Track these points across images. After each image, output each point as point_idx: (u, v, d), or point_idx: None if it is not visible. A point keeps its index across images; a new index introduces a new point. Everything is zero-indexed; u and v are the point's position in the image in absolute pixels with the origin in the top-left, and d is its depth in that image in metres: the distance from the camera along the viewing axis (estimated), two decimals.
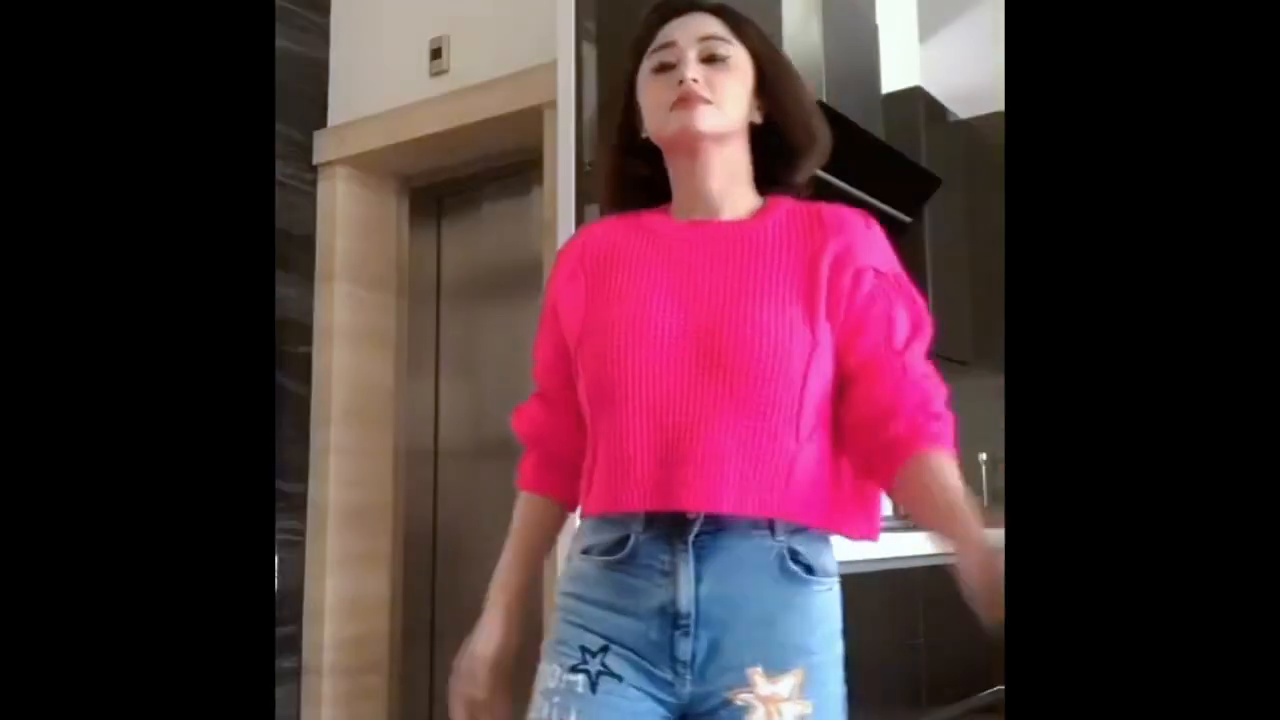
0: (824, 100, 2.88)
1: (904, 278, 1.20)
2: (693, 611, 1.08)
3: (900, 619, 2.21)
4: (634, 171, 1.24)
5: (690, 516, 1.08)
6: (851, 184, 2.98)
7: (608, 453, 1.12)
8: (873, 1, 3.50)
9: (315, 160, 3.21)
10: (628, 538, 1.11)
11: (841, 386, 1.14)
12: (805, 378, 1.09)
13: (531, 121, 2.74)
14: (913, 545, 2.29)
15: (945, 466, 1.08)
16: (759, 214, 1.19)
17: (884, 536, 2.45)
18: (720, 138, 1.17)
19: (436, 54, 3.01)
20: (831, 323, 1.12)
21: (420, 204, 3.39)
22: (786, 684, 1.06)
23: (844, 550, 1.98)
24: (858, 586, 2.07)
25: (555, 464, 1.27)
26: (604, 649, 1.11)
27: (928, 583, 2.28)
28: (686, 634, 1.08)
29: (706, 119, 1.14)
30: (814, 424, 1.11)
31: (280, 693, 2.93)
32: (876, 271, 1.16)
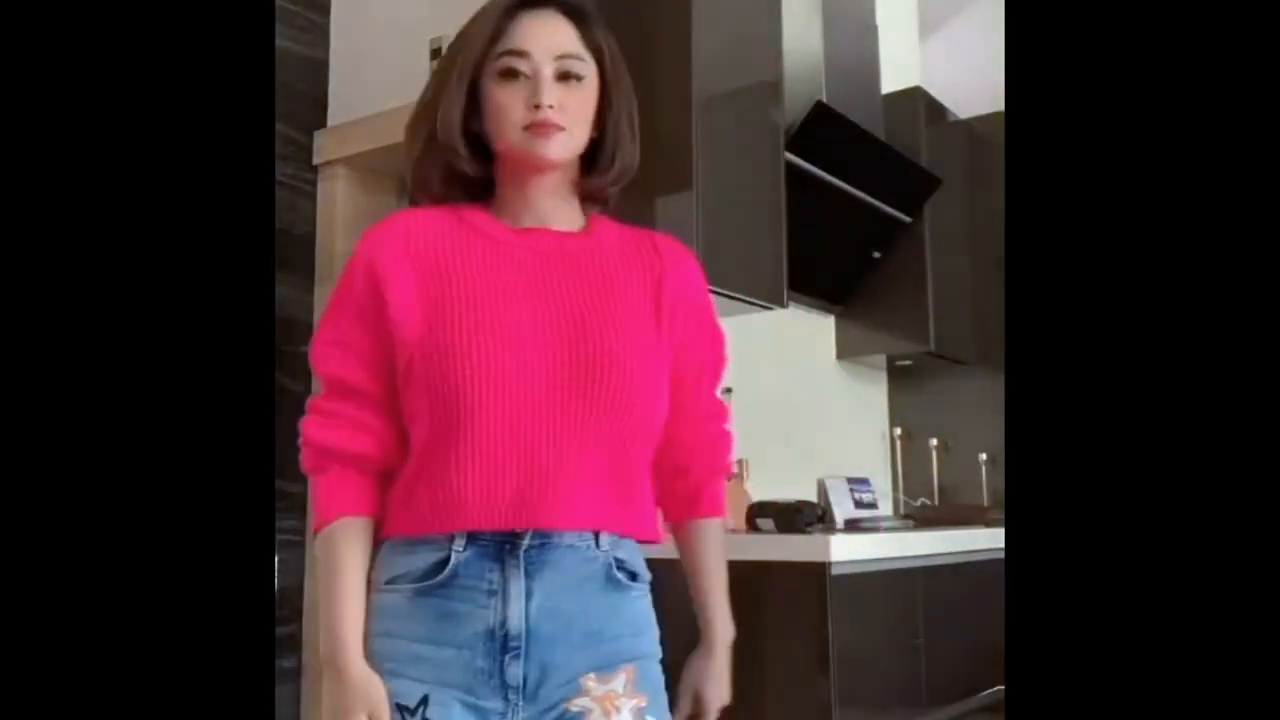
0: (824, 100, 2.89)
1: (713, 311, 1.25)
2: (523, 631, 1.03)
3: (900, 619, 2.21)
4: (467, 170, 1.15)
5: (520, 532, 1.03)
6: (851, 184, 2.98)
7: (449, 467, 1.04)
8: (873, 1, 3.51)
9: (315, 160, 3.21)
10: (447, 559, 1.04)
11: (677, 391, 1.18)
12: (660, 388, 1.12)
13: None
14: (913, 545, 2.29)
15: (718, 534, 1.26)
16: (589, 229, 1.18)
17: (884, 537, 2.45)
18: (564, 166, 1.14)
19: (436, 54, 3.00)
20: (671, 341, 1.16)
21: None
22: (619, 680, 1.07)
23: (844, 550, 1.99)
24: (858, 586, 2.08)
25: (377, 481, 1.12)
26: (423, 700, 1.02)
27: (928, 583, 2.28)
28: (517, 656, 1.03)
29: (561, 148, 1.10)
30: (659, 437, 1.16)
31: (280, 693, 2.93)
32: (701, 309, 1.22)
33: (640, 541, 1.15)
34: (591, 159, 1.17)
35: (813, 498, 3.06)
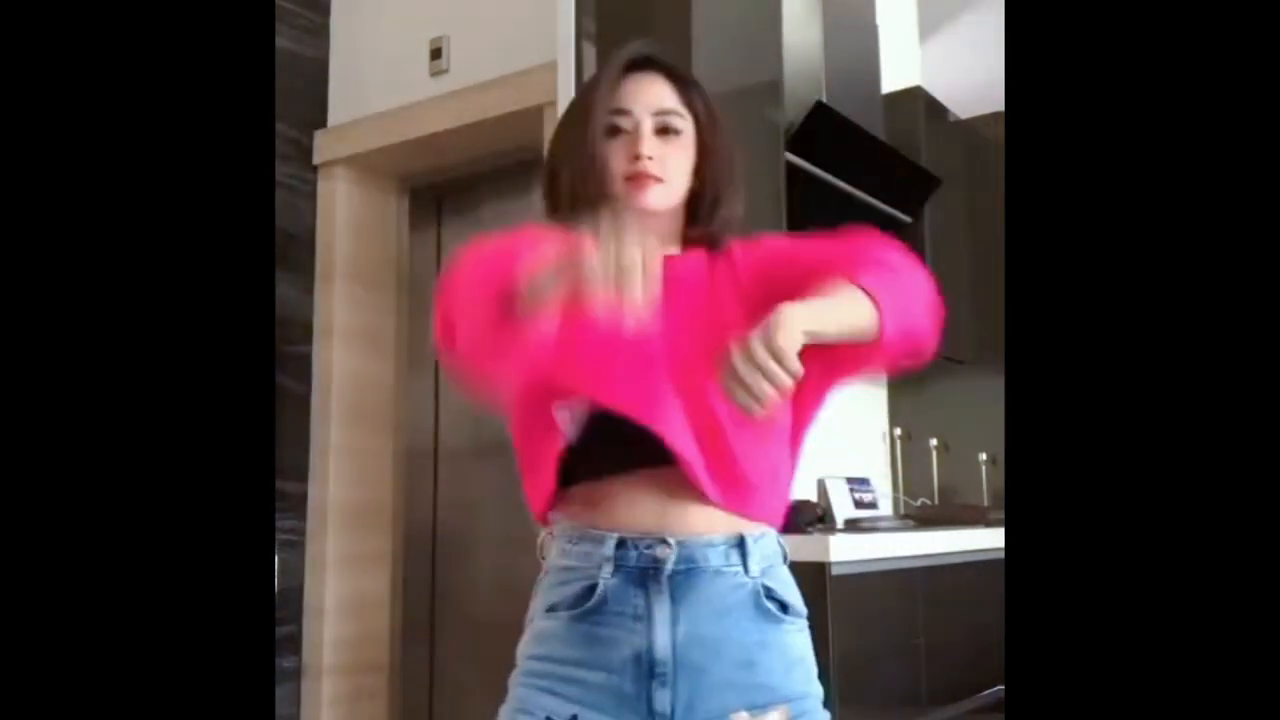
0: (824, 100, 2.88)
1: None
2: (670, 658, 1.03)
3: (900, 619, 2.21)
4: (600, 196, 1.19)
5: (661, 555, 1.05)
6: (851, 184, 2.98)
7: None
8: (873, 1, 3.50)
9: (315, 160, 3.21)
10: (594, 586, 1.07)
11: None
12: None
13: (531, 121, 2.74)
14: (913, 545, 2.29)
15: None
16: (689, 254, 1.21)
17: (884, 537, 2.45)
18: (667, 213, 1.18)
19: (436, 54, 3.01)
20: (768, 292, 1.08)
21: (420, 204, 3.39)
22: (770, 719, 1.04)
23: (844, 550, 1.99)
24: (858, 586, 2.07)
25: None
26: (572, 718, 1.05)
27: (928, 583, 2.28)
28: (664, 683, 1.03)
29: (656, 198, 1.15)
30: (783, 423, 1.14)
31: (280, 693, 2.93)
32: (753, 243, 1.20)
33: (775, 563, 1.11)
34: (694, 210, 1.21)
35: (813, 498, 3.06)
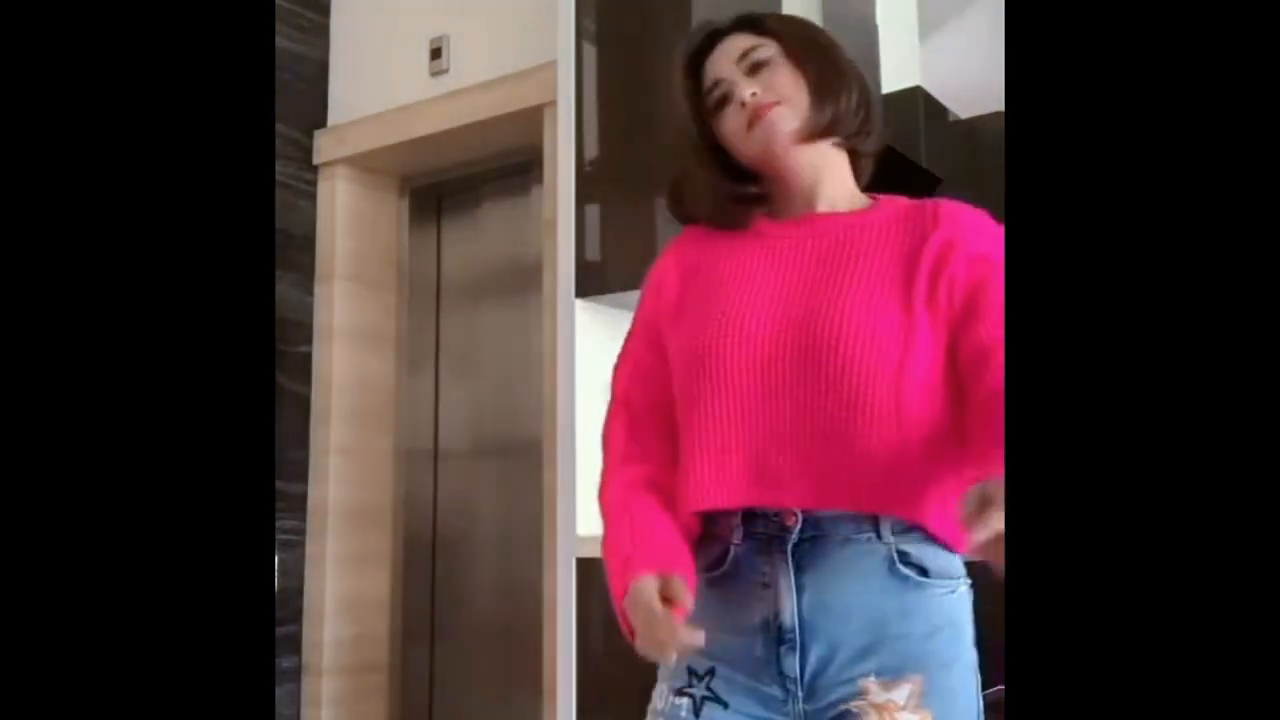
0: None
1: (998, 282, 1.12)
2: (796, 624, 1.04)
3: None
4: (743, 192, 1.22)
5: (788, 524, 1.06)
6: None
7: (696, 451, 1.10)
8: (873, 1, 3.50)
9: (315, 160, 3.21)
10: (727, 551, 1.09)
11: (961, 376, 1.08)
12: (901, 365, 1.05)
13: (531, 121, 2.74)
14: None
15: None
16: (865, 210, 1.18)
17: None
18: (802, 134, 1.16)
19: (436, 54, 3.01)
20: (934, 311, 1.07)
21: (420, 204, 3.39)
22: (902, 691, 1.02)
23: None
24: None
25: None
26: (710, 671, 1.08)
27: None
28: (792, 649, 1.04)
29: (784, 120, 1.15)
30: (922, 415, 1.05)
31: (280, 693, 2.93)
32: (984, 257, 1.10)
33: (937, 540, 1.07)
34: (833, 131, 1.19)
35: None
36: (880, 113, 1.24)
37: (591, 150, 2.28)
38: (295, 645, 3.01)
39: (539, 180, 2.82)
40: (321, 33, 3.23)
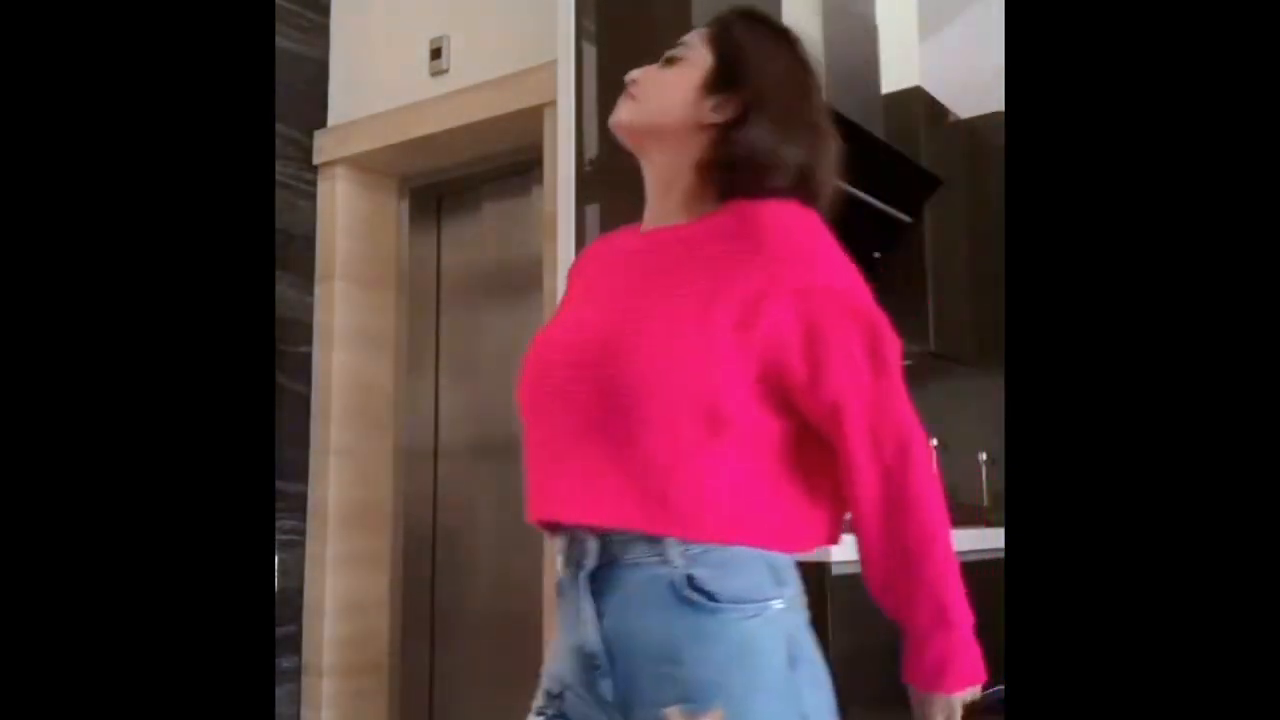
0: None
1: (856, 289, 1.07)
2: (599, 651, 1.03)
3: None
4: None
5: (588, 548, 1.04)
6: (851, 184, 2.98)
7: (526, 462, 1.14)
8: (873, 1, 3.50)
9: (315, 160, 3.21)
10: (560, 581, 1.11)
11: (818, 422, 1.05)
12: (691, 385, 1.00)
13: (531, 121, 2.74)
14: None
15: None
16: (703, 218, 1.11)
17: None
18: (648, 134, 1.16)
19: (436, 54, 3.01)
20: (745, 338, 1.01)
21: (420, 204, 3.39)
22: None
23: (844, 550, 1.98)
24: (858, 586, 2.07)
25: None
26: (562, 693, 1.08)
27: None
28: (603, 675, 1.03)
29: (623, 111, 1.17)
30: (715, 434, 1.01)
31: (280, 693, 2.93)
32: (809, 291, 1.04)
33: (751, 547, 1.03)
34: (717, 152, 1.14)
35: None
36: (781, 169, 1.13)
37: (591, 150, 2.28)
38: (295, 645, 3.01)
39: (539, 180, 2.82)
40: (321, 33, 3.23)
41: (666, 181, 1.17)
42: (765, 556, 1.04)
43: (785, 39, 1.21)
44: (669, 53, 1.18)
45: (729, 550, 1.02)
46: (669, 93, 1.15)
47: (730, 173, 1.11)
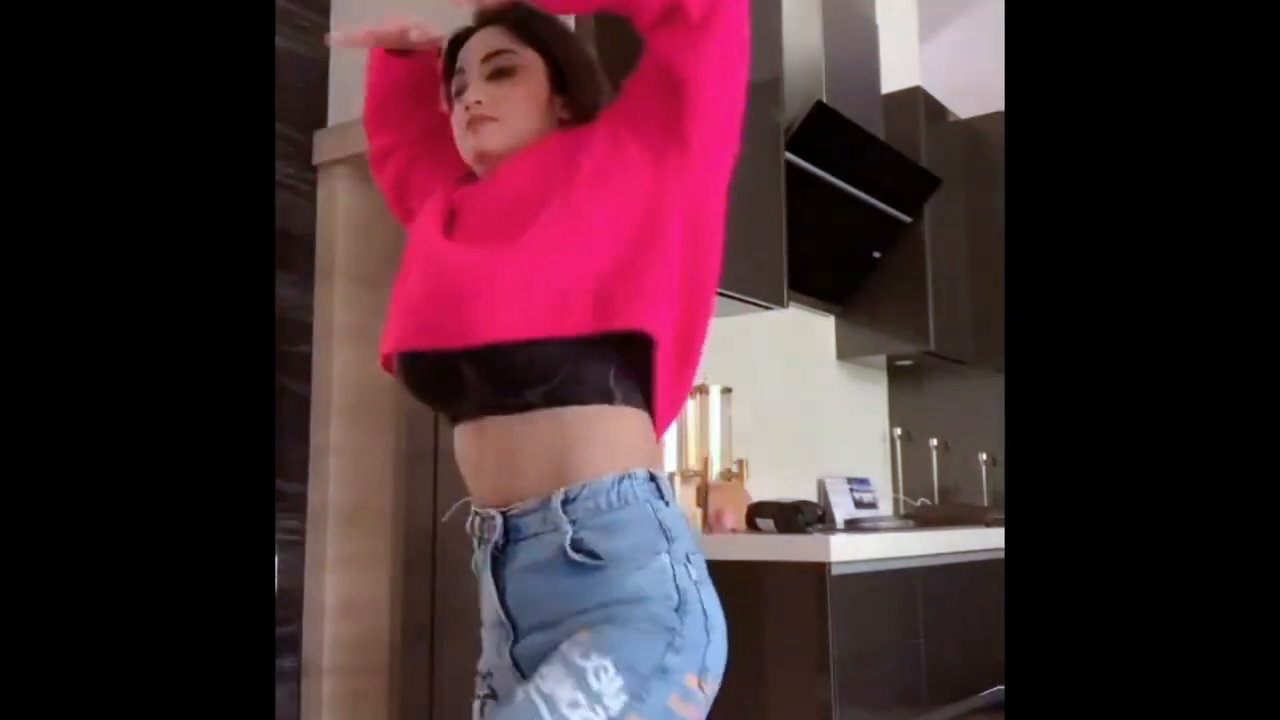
0: (824, 100, 2.88)
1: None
2: (506, 619, 1.11)
3: (900, 619, 2.21)
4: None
5: (493, 528, 1.11)
6: (851, 184, 2.98)
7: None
8: (873, 1, 3.51)
9: (315, 160, 3.21)
10: (474, 559, 1.17)
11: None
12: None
13: None
14: (913, 545, 2.29)
15: None
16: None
17: (884, 537, 2.45)
18: (507, 151, 1.18)
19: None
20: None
21: None
22: (575, 641, 1.03)
23: (844, 550, 1.99)
24: (858, 586, 2.07)
25: None
26: (490, 672, 1.16)
27: (928, 583, 2.28)
28: (510, 640, 1.11)
29: (492, 138, 1.18)
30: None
31: (280, 693, 2.93)
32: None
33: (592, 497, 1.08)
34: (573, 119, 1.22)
35: (813, 498, 3.06)
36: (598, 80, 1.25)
37: None
38: (295, 645, 3.01)
39: None
40: (321, 33, 3.23)
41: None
42: (650, 516, 1.09)
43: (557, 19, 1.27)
44: (495, 64, 1.19)
45: (616, 513, 1.07)
46: (526, 106, 1.20)
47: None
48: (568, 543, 1.06)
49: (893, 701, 2.17)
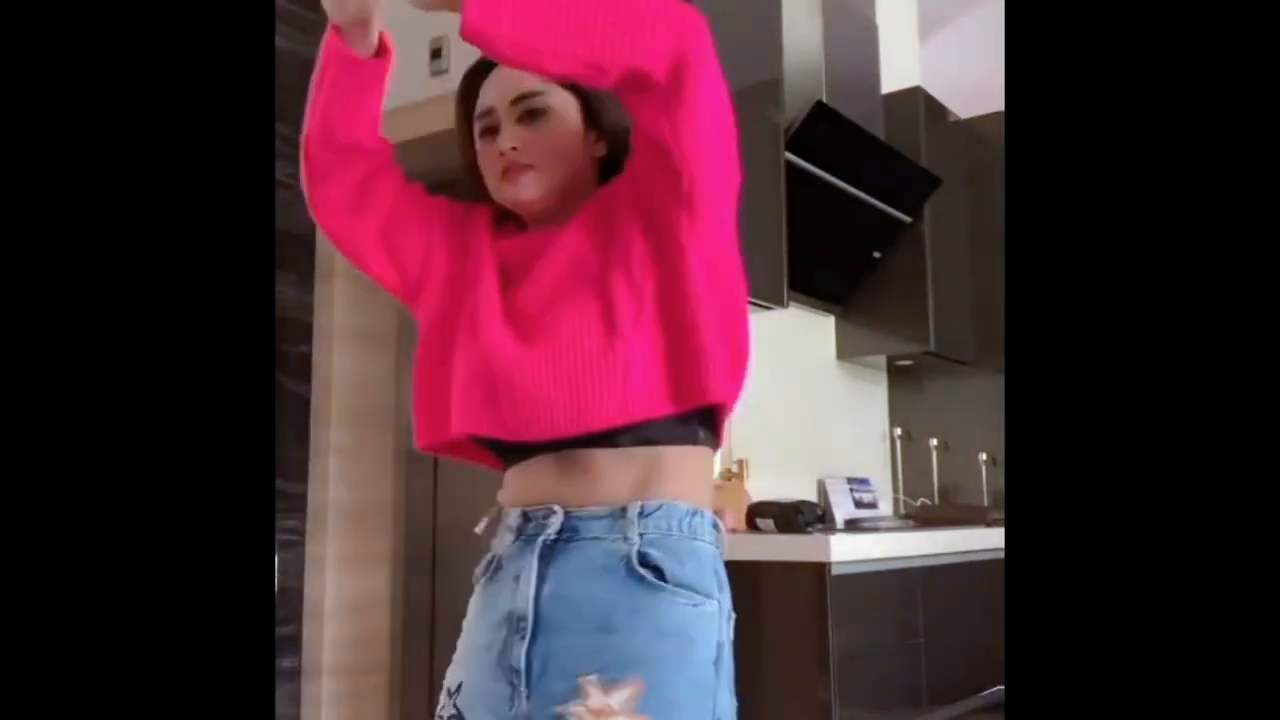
0: (824, 100, 2.89)
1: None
2: (530, 614, 1.05)
3: (900, 619, 2.21)
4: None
5: (548, 523, 1.08)
6: (851, 184, 2.98)
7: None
8: (873, 1, 3.51)
9: None
10: (497, 558, 1.14)
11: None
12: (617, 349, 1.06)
13: None
14: (913, 545, 2.29)
15: None
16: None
17: (884, 537, 2.45)
18: (548, 200, 1.16)
19: (436, 54, 3.01)
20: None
21: None
22: (621, 695, 0.99)
23: (844, 550, 1.99)
24: (858, 586, 2.08)
25: None
26: (459, 686, 1.12)
27: (928, 583, 2.28)
28: (523, 638, 1.05)
29: (530, 188, 1.15)
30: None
31: (280, 693, 2.93)
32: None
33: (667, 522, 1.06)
34: (608, 171, 1.20)
35: (813, 498, 3.06)
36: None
37: None
38: (295, 645, 3.01)
39: None
40: (321, 33, 3.23)
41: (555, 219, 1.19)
42: (714, 558, 1.09)
43: None
44: (526, 106, 1.16)
45: (685, 542, 1.07)
46: (562, 149, 1.16)
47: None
48: (634, 553, 1.04)
49: (892, 701, 2.17)
